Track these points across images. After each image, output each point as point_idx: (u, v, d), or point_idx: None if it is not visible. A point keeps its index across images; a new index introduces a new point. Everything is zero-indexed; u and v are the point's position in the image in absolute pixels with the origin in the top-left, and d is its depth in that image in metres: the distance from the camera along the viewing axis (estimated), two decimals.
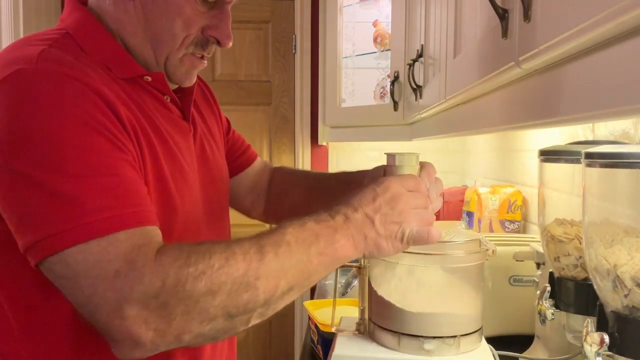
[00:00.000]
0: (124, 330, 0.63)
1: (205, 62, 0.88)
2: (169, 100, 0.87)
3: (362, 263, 0.86)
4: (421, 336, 0.77)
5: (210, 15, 0.83)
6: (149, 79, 0.84)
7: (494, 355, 0.81)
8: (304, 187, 1.13)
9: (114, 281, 0.63)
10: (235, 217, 1.08)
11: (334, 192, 1.06)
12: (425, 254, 0.79)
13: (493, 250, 0.80)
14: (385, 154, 0.86)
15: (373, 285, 0.84)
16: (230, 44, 0.86)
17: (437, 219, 0.90)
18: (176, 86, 0.89)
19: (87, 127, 0.68)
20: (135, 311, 0.63)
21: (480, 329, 0.81)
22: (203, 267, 0.65)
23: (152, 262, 0.64)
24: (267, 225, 3.02)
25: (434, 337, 0.77)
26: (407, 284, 0.79)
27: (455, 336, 0.78)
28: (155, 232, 0.70)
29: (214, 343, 0.88)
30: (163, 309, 0.64)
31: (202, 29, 0.84)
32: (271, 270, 0.68)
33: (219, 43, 0.86)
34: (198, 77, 0.96)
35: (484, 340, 0.82)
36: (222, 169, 1.01)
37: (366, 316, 0.84)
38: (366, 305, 0.85)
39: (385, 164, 0.86)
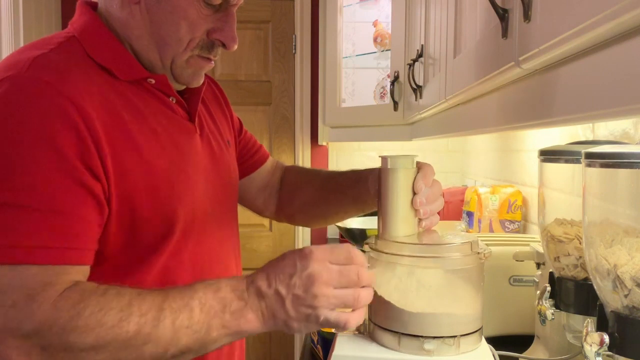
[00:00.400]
0: (7, 357, 0.65)
1: (213, 62, 0.88)
2: (174, 102, 0.87)
3: None
4: (421, 336, 0.77)
5: (216, 18, 0.83)
6: (153, 81, 0.84)
7: (494, 355, 0.81)
8: (315, 185, 1.13)
9: (8, 310, 0.65)
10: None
11: (343, 190, 1.06)
12: (422, 257, 0.79)
13: (485, 254, 0.79)
14: (379, 156, 0.85)
15: (373, 285, 0.84)
16: (236, 46, 0.86)
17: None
18: (184, 87, 0.89)
19: (49, 149, 0.69)
20: (19, 343, 0.65)
21: (480, 329, 0.81)
22: (94, 324, 0.65)
23: (49, 305, 0.65)
24: (267, 226, 2.99)
25: (434, 337, 0.77)
26: (407, 284, 0.79)
27: (455, 336, 0.78)
28: (70, 271, 0.70)
29: (220, 349, 0.86)
30: (46, 350, 0.65)
31: (207, 32, 0.84)
32: (162, 337, 0.67)
33: (224, 46, 0.86)
34: (209, 77, 0.96)
35: (484, 340, 0.82)
36: (231, 168, 1.01)
37: (366, 316, 0.84)
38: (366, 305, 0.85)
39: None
